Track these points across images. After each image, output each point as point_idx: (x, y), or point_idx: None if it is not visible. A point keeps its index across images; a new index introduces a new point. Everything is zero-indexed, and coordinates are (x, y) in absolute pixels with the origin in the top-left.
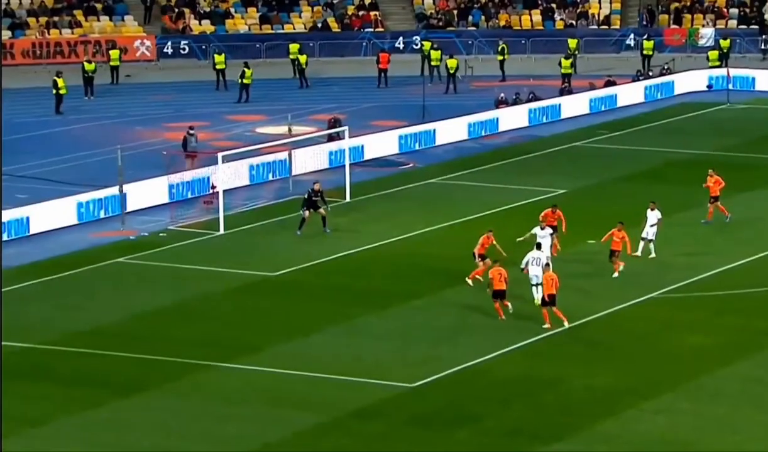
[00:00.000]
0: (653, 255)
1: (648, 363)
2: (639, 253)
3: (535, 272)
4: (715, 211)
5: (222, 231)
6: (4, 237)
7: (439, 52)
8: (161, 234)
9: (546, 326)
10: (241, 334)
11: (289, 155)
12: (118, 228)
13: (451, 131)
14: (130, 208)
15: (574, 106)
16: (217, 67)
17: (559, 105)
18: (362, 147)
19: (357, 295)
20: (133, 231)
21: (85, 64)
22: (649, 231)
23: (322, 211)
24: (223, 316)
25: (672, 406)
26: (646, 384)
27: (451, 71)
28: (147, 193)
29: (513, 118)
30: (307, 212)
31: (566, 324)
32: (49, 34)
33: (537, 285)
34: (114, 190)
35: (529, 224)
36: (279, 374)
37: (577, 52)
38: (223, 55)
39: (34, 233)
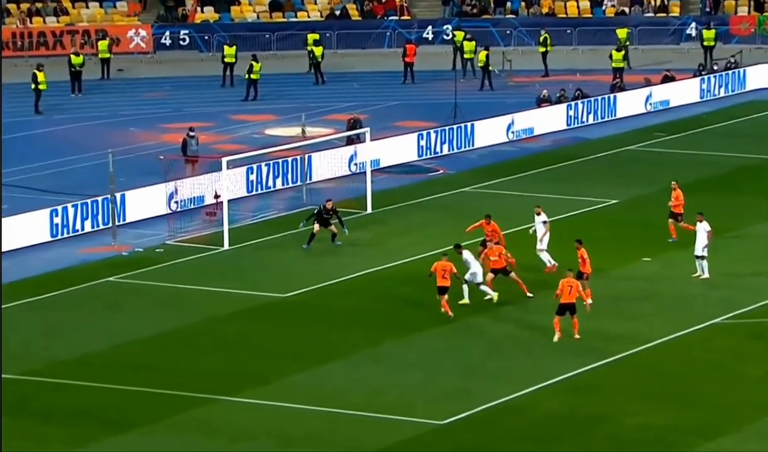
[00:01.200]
0: (706, 275)
1: (709, 397)
2: (701, 274)
3: (475, 270)
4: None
5: (227, 246)
6: None
7: (474, 43)
8: (158, 250)
9: (557, 339)
10: (248, 363)
11: (303, 160)
12: (109, 242)
13: (486, 133)
14: (122, 220)
15: (627, 104)
16: (226, 60)
17: (610, 103)
18: (384, 151)
19: (379, 319)
20: (127, 246)
21: (72, 56)
22: (701, 248)
23: (332, 228)
24: (228, 343)
25: (737, 447)
26: (708, 422)
27: (480, 64)
28: (142, 202)
29: (557, 118)
30: (316, 225)
31: (576, 336)
32: (31, 22)
33: (478, 284)
34: (105, 200)
35: (573, 238)
36: (291, 409)
37: (630, 43)
38: (234, 47)
39: (13, 248)
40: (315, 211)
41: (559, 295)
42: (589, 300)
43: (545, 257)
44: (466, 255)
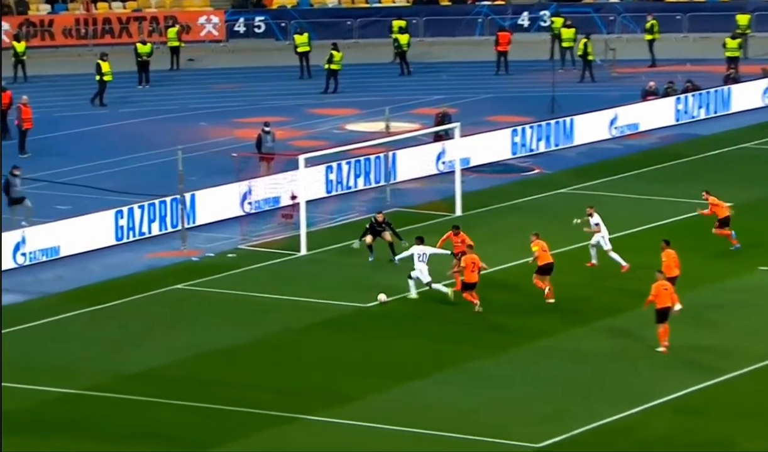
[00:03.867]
0: None
1: None
2: None
3: (419, 268)
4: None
5: (304, 251)
6: (42, 258)
7: (573, 30)
8: (230, 255)
9: (662, 351)
10: (328, 379)
11: (387, 158)
12: (178, 247)
13: (587, 129)
14: (192, 222)
15: (743, 97)
16: (299, 50)
17: (724, 96)
18: (475, 148)
19: (471, 333)
20: (197, 251)
21: (139, 45)
22: None
23: (387, 236)
24: (307, 357)
25: None
26: None
27: (580, 53)
28: (213, 203)
29: (664, 112)
30: (368, 237)
31: (665, 345)
32: (96, 8)
33: (428, 282)
34: (173, 200)
35: (683, 245)
36: (375, 429)
37: (748, 31)
38: (306, 34)
39: (75, 253)
40: (367, 225)
41: (653, 301)
42: (678, 306)
43: (616, 257)
44: (416, 249)
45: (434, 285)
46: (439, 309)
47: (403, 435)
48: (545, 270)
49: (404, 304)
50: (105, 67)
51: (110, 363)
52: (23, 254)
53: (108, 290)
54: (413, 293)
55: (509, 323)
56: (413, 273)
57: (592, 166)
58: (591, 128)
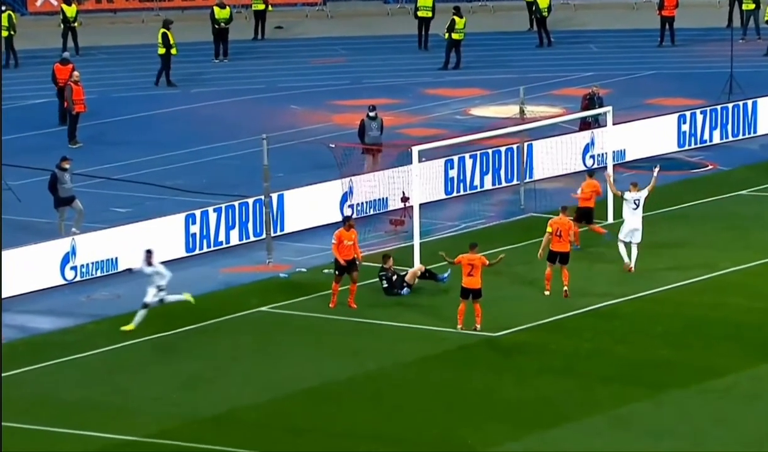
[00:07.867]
0: None
1: None
2: None
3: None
4: None
5: (418, 265)
6: (95, 272)
7: None
8: (326, 271)
9: None
10: (445, 425)
11: (521, 150)
12: (263, 260)
13: None
14: (280, 229)
15: None
16: (420, 14)
17: None
18: (632, 138)
19: (624, 369)
20: (285, 265)
21: (216, 9)
22: None
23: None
24: (418, 397)
25: None
26: None
27: (766, 19)
28: (306, 206)
29: None
30: (405, 289)
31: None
32: None
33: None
34: (257, 202)
35: None
36: None
37: None
38: None
39: (139, 267)
40: (383, 283)
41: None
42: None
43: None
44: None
45: (168, 298)
46: (582, 340)
47: None
48: (555, 258)
49: (537, 335)
50: (171, 37)
51: (180, 404)
52: (73, 268)
53: (177, 313)
54: (138, 320)
55: (671, 357)
56: (150, 300)
57: None
58: None
